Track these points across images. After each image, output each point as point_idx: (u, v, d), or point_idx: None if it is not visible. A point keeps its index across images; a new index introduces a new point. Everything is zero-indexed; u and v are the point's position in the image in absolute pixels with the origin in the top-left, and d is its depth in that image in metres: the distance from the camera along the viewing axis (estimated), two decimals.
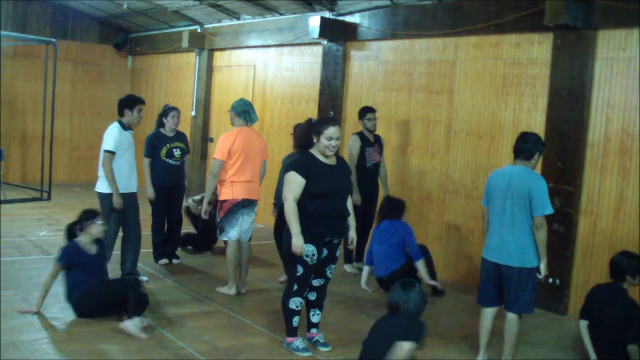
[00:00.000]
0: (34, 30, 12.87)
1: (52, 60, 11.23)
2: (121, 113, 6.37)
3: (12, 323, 5.13)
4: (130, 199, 6.33)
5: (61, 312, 5.51)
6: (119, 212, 6.24)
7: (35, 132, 12.69)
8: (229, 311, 5.91)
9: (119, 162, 6.20)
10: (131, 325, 5.09)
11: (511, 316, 4.80)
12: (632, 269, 4.91)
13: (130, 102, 6.40)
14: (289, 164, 4.87)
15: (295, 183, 4.72)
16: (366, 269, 6.92)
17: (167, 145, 7.25)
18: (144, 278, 6.59)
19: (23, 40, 12.00)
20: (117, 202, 6.14)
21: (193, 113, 11.92)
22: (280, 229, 7.07)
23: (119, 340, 5.01)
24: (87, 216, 5.55)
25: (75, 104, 13.66)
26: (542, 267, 4.76)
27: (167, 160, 7.24)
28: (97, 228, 5.54)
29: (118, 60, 14.21)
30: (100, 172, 6.25)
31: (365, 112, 7.46)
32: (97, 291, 5.39)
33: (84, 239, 5.49)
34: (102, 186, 6.26)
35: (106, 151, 6.17)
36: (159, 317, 5.60)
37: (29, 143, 13.01)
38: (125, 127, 6.32)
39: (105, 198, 6.25)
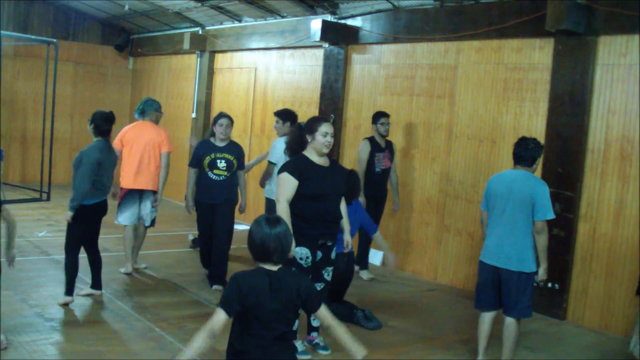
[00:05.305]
0: (36, 30, 12.88)
1: (53, 61, 11.24)
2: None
3: (11, 324, 5.12)
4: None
5: (60, 313, 5.52)
6: None
7: (35, 132, 12.70)
8: None
9: None
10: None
11: (510, 320, 4.81)
12: None
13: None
14: (282, 166, 4.84)
15: (288, 184, 4.69)
16: None
17: (212, 155, 6.48)
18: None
19: (24, 40, 12.00)
20: None
21: (194, 115, 11.93)
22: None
23: (118, 341, 5.02)
24: None
25: (76, 104, 13.68)
26: (541, 272, 4.77)
27: (209, 173, 6.48)
28: None
29: (119, 61, 14.23)
30: None
31: (379, 116, 7.42)
32: None
33: None
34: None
35: None
36: (159, 319, 5.60)
37: (29, 143, 13.01)
38: None
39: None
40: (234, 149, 6.61)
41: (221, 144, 6.54)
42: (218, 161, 6.46)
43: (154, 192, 6.91)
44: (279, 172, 4.80)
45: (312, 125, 4.81)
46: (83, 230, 5.74)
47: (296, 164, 4.78)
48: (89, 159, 5.61)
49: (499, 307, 4.90)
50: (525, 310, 4.80)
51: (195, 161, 6.56)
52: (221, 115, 6.65)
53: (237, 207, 6.84)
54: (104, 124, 5.74)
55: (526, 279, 4.73)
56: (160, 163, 6.86)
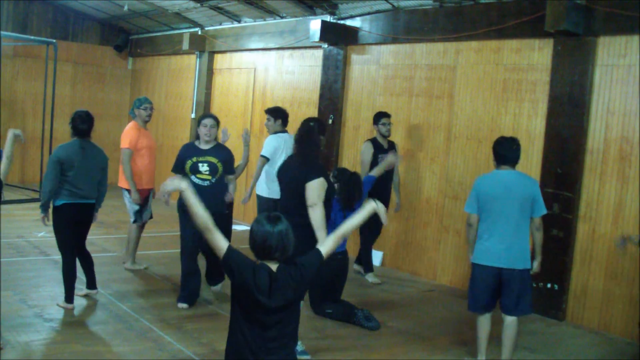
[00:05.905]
0: (35, 30, 12.87)
1: (52, 61, 11.25)
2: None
3: (10, 324, 5.12)
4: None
5: (59, 313, 5.52)
6: None
7: (34, 132, 12.67)
8: (227, 313, 5.89)
9: None
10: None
11: (511, 319, 4.82)
12: None
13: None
14: (315, 171, 4.85)
15: (323, 189, 4.84)
16: None
17: (193, 158, 5.95)
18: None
19: (24, 40, 12.00)
20: None
21: (193, 115, 11.93)
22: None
23: (116, 342, 5.01)
24: None
25: (75, 104, 13.55)
26: (536, 265, 4.90)
27: (192, 177, 5.93)
28: None
29: (118, 62, 14.22)
30: None
31: (380, 117, 7.37)
32: None
33: None
34: None
35: None
36: (158, 319, 5.59)
37: (29, 144, 12.94)
38: None
39: None
40: (220, 152, 6.05)
41: (205, 147, 6.00)
42: (200, 165, 5.93)
43: (128, 190, 7.03)
44: (315, 177, 4.81)
45: (325, 127, 4.91)
46: (65, 232, 5.66)
47: (323, 168, 4.93)
48: (51, 157, 5.61)
49: (494, 307, 4.92)
50: (528, 308, 4.85)
51: (179, 166, 6.02)
52: (205, 115, 6.20)
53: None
54: (79, 123, 5.67)
55: (528, 276, 4.81)
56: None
